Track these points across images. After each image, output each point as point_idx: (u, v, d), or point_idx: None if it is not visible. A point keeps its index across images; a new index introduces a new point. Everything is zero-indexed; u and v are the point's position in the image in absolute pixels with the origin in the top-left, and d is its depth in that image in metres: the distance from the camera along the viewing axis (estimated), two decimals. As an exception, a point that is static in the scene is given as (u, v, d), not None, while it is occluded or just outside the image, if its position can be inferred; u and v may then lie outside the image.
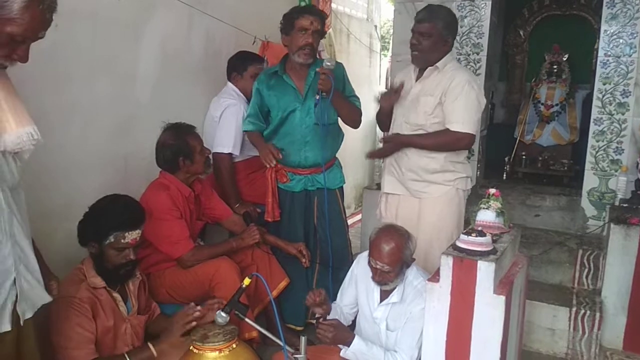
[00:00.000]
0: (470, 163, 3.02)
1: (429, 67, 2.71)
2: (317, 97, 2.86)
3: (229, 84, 3.42)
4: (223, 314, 2.10)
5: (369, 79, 7.54)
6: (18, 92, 1.67)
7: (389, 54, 6.82)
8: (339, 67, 3.11)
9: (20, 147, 1.59)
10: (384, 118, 2.91)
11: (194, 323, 2.23)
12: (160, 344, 2.22)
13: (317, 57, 3.13)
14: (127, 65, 2.98)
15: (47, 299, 1.78)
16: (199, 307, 2.28)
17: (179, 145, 2.70)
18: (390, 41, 5.15)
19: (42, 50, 2.41)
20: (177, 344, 2.23)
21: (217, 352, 2.13)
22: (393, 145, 2.79)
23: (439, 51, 2.69)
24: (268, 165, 2.97)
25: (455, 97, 2.62)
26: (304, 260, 3.04)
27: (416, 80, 2.78)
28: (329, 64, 2.85)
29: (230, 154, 3.22)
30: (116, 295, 2.27)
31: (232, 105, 3.25)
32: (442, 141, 2.68)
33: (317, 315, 2.32)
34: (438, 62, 2.69)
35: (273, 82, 3.05)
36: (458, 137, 2.64)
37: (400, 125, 2.80)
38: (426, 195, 2.76)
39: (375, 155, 2.82)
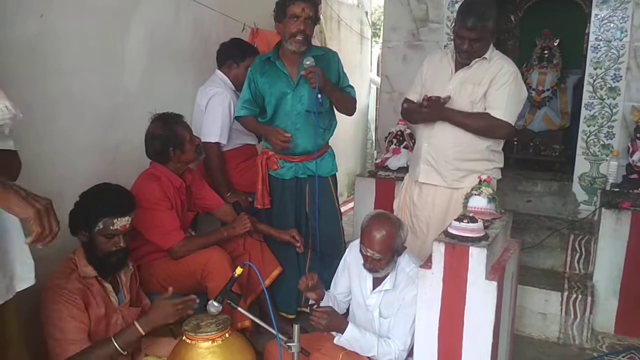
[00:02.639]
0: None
1: (476, 58, 2.66)
2: (320, 96, 2.87)
3: (218, 72, 3.38)
4: (215, 304, 2.08)
5: (360, 65, 7.51)
6: (5, 82, 1.65)
7: (380, 40, 6.78)
8: (333, 56, 3.10)
9: None
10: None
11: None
12: (146, 320, 2.17)
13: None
14: (116, 54, 2.94)
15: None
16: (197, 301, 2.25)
17: (168, 135, 2.67)
18: (381, 28, 5.11)
19: (29, 40, 2.40)
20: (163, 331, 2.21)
21: (210, 342, 2.12)
22: (434, 113, 2.67)
23: (488, 45, 2.66)
24: (283, 149, 3.00)
25: (501, 84, 2.61)
26: (298, 244, 3.03)
27: (456, 68, 2.73)
28: (307, 62, 2.85)
29: (217, 143, 3.20)
30: (107, 285, 2.25)
31: (218, 94, 3.22)
32: (482, 124, 2.64)
33: (310, 302, 2.32)
34: (486, 53, 2.66)
35: (266, 69, 3.03)
36: (498, 124, 2.61)
37: None
38: (464, 184, 2.69)
39: (416, 119, 2.77)
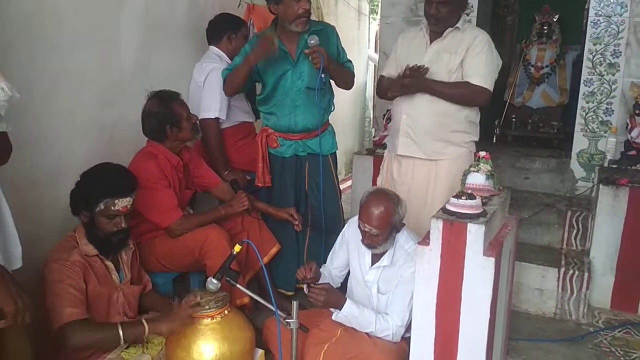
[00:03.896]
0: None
1: (449, 28, 2.70)
2: (323, 76, 2.87)
3: (212, 47, 3.35)
4: (214, 281, 2.10)
5: (358, 42, 7.45)
6: (3, 59, 1.63)
7: (378, 16, 6.71)
8: (332, 31, 3.07)
9: None
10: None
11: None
12: (156, 325, 2.14)
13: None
14: (111, 31, 2.90)
15: None
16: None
17: (164, 113, 2.65)
18: (379, 3, 5.05)
19: (25, 18, 2.37)
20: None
21: (210, 319, 2.14)
22: (414, 85, 2.69)
23: (457, 13, 2.70)
24: (274, 48, 2.86)
25: (477, 52, 2.66)
26: (296, 222, 3.03)
27: (431, 40, 2.77)
28: (312, 42, 2.82)
29: (217, 118, 3.17)
30: (109, 263, 2.26)
31: (215, 70, 3.19)
32: (463, 92, 2.68)
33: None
34: (457, 22, 2.70)
35: None
36: (478, 91, 2.66)
37: None
38: (443, 156, 2.75)
39: (396, 92, 2.78)
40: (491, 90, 2.69)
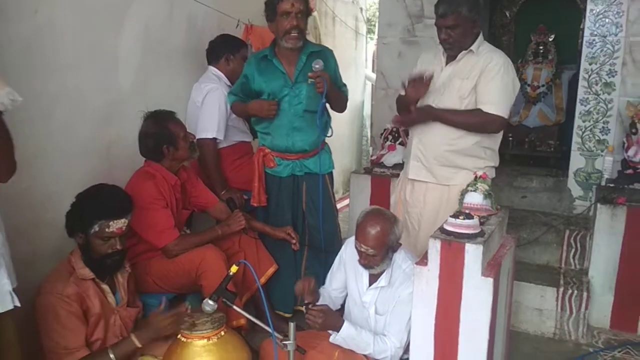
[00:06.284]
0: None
1: (463, 51, 2.64)
2: (324, 100, 2.89)
3: (210, 67, 3.37)
4: (211, 302, 2.08)
5: (355, 61, 7.49)
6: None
7: (375, 36, 6.77)
8: (330, 54, 3.09)
9: (2, 108, 1.59)
10: (409, 105, 2.76)
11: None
12: (143, 335, 2.17)
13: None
14: (109, 51, 2.92)
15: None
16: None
17: (161, 133, 2.66)
18: (376, 24, 5.10)
19: (23, 37, 2.38)
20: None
21: (205, 340, 2.11)
22: (423, 115, 2.66)
23: (471, 34, 2.62)
24: (272, 114, 2.97)
25: (491, 78, 2.57)
26: (293, 241, 3.02)
27: (446, 63, 2.71)
28: (317, 66, 2.83)
29: (214, 138, 3.18)
30: (104, 286, 2.24)
31: (213, 90, 3.21)
32: (473, 121, 2.59)
33: (306, 302, 2.31)
34: (472, 45, 2.63)
35: (263, 66, 3.00)
36: (490, 119, 2.57)
37: None
38: (455, 181, 2.67)
39: (403, 122, 2.75)
40: (505, 117, 2.59)
